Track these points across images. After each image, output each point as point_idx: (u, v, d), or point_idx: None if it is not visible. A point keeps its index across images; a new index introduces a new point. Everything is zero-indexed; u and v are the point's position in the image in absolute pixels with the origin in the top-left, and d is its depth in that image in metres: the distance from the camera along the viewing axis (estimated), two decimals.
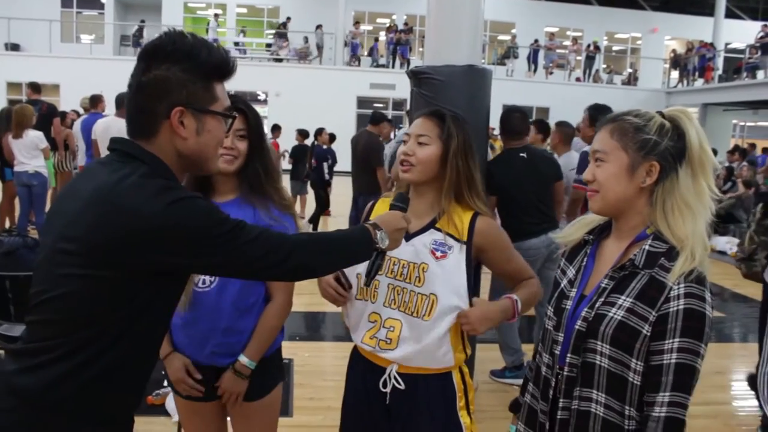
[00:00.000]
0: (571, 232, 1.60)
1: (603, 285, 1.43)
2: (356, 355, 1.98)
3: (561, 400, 1.46)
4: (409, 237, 1.86)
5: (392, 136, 7.71)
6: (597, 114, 4.62)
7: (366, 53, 23.12)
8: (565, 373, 1.45)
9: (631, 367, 1.36)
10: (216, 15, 22.81)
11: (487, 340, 4.18)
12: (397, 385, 1.85)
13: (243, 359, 1.96)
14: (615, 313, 1.37)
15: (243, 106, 1.94)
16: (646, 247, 1.41)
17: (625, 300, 1.38)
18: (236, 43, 23.54)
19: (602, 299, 1.41)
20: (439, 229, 1.87)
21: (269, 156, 2.02)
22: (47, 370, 1.25)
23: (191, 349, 1.97)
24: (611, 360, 1.38)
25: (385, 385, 1.86)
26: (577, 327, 1.42)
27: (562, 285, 1.54)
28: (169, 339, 1.98)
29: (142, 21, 21.43)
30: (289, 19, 22.53)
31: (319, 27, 22.10)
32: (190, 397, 2.02)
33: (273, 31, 23.67)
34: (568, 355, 1.44)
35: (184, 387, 1.98)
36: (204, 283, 1.93)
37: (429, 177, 1.87)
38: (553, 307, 1.54)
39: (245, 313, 1.96)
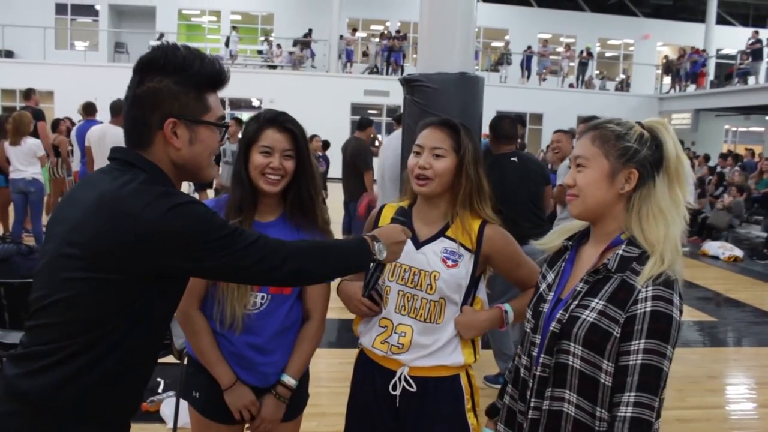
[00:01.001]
0: (552, 238, 1.64)
1: (578, 288, 1.47)
2: (364, 359, 2.00)
3: (533, 400, 1.49)
4: (419, 245, 1.89)
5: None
6: None
7: (385, 62, 22.63)
8: (537, 374, 1.48)
9: (603, 369, 1.39)
10: (235, 28, 22.61)
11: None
12: (407, 387, 1.88)
13: (288, 379, 1.93)
14: (587, 316, 1.41)
15: (291, 125, 1.90)
16: (620, 252, 1.44)
17: (597, 303, 1.41)
18: (260, 51, 23.47)
19: (576, 302, 1.45)
20: (449, 238, 1.90)
21: (316, 175, 1.98)
22: (49, 374, 1.27)
23: (242, 372, 1.91)
24: (583, 361, 1.41)
25: (395, 388, 1.89)
26: (551, 329, 1.46)
27: (541, 289, 1.59)
28: (231, 368, 1.90)
29: (161, 35, 21.25)
30: (311, 31, 22.50)
31: (341, 37, 22.13)
32: (214, 417, 1.95)
33: (264, 38, 23.68)
34: (542, 355, 1.47)
35: (246, 414, 1.91)
36: (254, 305, 1.89)
37: (445, 189, 1.90)
38: (531, 310, 1.58)
39: (288, 331, 1.95)
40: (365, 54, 22.43)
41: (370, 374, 1.96)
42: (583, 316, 1.41)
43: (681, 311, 1.38)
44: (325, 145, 11.06)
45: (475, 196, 1.91)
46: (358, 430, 1.99)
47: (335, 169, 9.21)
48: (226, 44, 22.00)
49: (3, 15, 20.53)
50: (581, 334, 1.40)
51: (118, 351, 1.30)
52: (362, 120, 7.36)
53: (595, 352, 1.39)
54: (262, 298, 1.90)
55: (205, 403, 1.95)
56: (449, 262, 1.87)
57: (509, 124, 4.26)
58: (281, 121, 1.91)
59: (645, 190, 1.45)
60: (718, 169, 13.81)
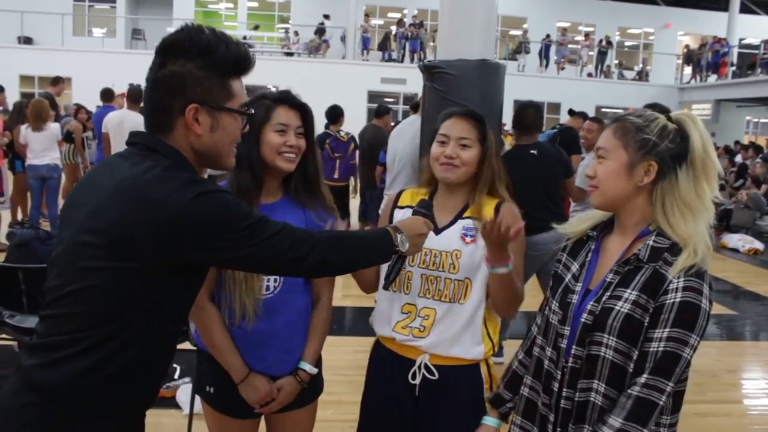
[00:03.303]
0: (574, 224, 1.64)
1: (608, 279, 1.47)
2: (381, 349, 1.98)
3: (564, 390, 1.49)
4: (438, 231, 1.90)
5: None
6: None
7: (402, 49, 22.14)
8: (569, 365, 1.48)
9: (633, 358, 1.40)
10: (326, 16, 21.86)
11: None
12: (428, 375, 1.86)
13: (307, 367, 1.90)
14: (621, 307, 1.41)
15: (300, 102, 1.87)
16: (650, 243, 1.44)
17: (630, 293, 1.41)
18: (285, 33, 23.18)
19: (608, 293, 1.45)
20: (466, 218, 1.92)
21: (317, 153, 1.95)
22: (70, 364, 1.24)
23: (260, 364, 1.87)
24: (616, 352, 1.41)
25: (414, 377, 1.88)
26: (583, 320, 1.46)
27: (567, 280, 1.57)
28: (243, 361, 1.85)
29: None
30: (327, 16, 22.34)
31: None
32: (229, 412, 1.91)
33: (285, 26, 23.60)
34: (573, 347, 1.47)
35: (265, 404, 1.88)
36: (267, 290, 1.85)
37: (468, 178, 1.93)
38: (558, 301, 1.56)
39: (301, 315, 1.92)
40: (381, 48, 22.24)
41: (388, 364, 1.94)
42: (617, 308, 1.41)
43: (711, 302, 1.38)
44: None
45: (496, 183, 1.95)
46: (375, 422, 1.97)
47: None
48: (321, 33, 21.46)
49: (22, 2, 20.62)
50: (616, 326, 1.40)
51: (137, 343, 1.27)
52: (380, 107, 7.56)
53: (629, 342, 1.40)
54: (275, 281, 1.86)
55: (220, 399, 1.92)
56: (468, 239, 1.89)
57: (533, 114, 4.18)
58: (291, 98, 1.87)
59: (666, 184, 1.45)
60: (740, 160, 13.60)
